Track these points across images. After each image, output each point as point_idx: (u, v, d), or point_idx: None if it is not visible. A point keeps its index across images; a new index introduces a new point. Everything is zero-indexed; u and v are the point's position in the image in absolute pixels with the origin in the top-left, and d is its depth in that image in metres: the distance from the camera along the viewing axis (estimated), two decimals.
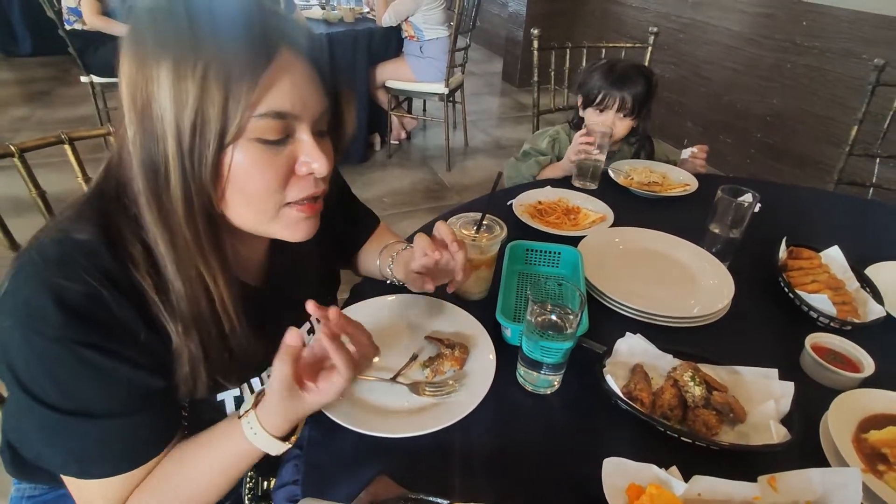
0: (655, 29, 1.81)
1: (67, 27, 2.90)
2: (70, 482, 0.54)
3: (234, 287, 0.56)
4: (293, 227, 0.58)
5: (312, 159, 0.54)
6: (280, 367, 0.50)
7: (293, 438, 0.56)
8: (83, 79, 2.87)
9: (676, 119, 3.62)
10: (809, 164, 2.79)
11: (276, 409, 0.53)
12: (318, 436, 0.63)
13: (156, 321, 0.52)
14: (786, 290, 0.88)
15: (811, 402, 0.67)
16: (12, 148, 0.83)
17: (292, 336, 0.51)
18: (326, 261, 0.80)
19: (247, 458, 0.56)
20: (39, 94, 4.02)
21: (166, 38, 0.47)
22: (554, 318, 0.69)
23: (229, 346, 0.57)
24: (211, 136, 0.48)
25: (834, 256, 0.96)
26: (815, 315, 0.83)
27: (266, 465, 0.65)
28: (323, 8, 3.23)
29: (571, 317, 0.68)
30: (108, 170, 0.54)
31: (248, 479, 0.69)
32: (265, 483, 0.70)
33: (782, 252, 0.95)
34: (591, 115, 1.43)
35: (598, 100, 1.38)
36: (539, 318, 0.68)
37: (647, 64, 1.76)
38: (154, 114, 0.47)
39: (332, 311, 0.54)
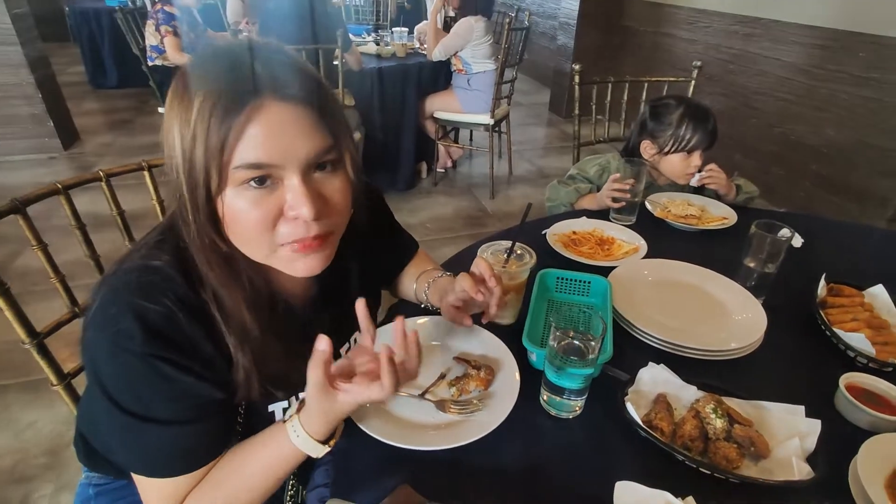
0: (699, 63, 1.82)
1: (150, 63, 3.22)
2: (139, 480, 0.61)
3: (262, 311, 0.61)
4: (290, 266, 0.59)
5: (299, 204, 0.54)
6: (313, 371, 0.55)
7: (332, 442, 0.61)
8: (161, 109, 3.17)
9: (725, 151, 3.54)
10: (869, 198, 2.65)
11: (315, 412, 0.58)
12: (348, 444, 0.68)
13: (219, 338, 0.59)
14: (822, 327, 0.86)
15: (845, 443, 0.66)
16: (101, 173, 0.95)
17: (322, 343, 0.55)
18: (369, 283, 0.84)
19: (290, 460, 0.61)
20: (122, 122, 4.43)
21: (177, 96, 0.53)
22: (576, 344, 0.71)
23: (267, 360, 0.63)
24: (199, 185, 0.52)
25: (878, 295, 0.93)
26: (852, 354, 0.81)
27: (306, 475, 0.71)
28: (377, 44, 3.41)
29: (593, 343, 0.70)
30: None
31: (289, 486, 0.74)
32: (304, 492, 0.75)
33: (821, 288, 0.93)
34: (675, 161, 1.40)
35: (691, 144, 1.36)
36: (561, 344, 0.71)
37: (690, 96, 1.77)
38: (173, 165, 0.53)
39: (413, 336, 0.59)
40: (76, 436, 0.81)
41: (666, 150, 1.40)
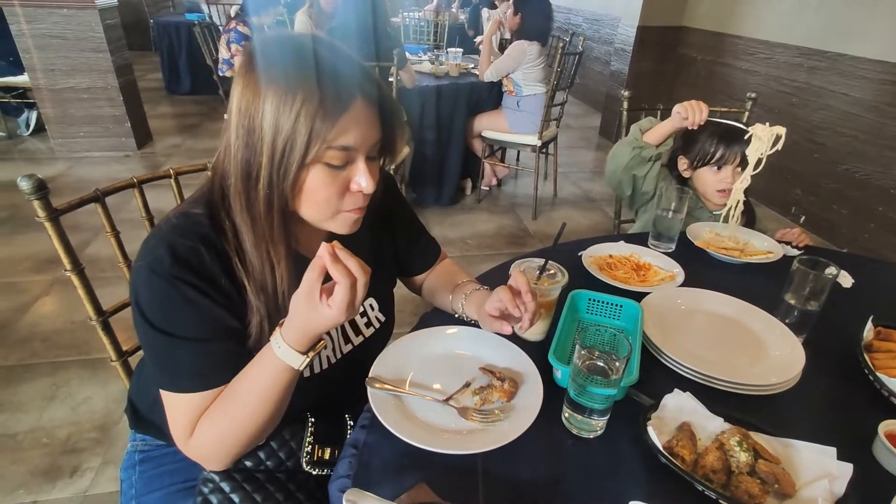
0: (754, 94, 1.78)
1: (220, 74, 3.44)
2: (165, 399, 0.69)
3: (293, 269, 0.70)
4: (343, 225, 0.73)
5: (363, 180, 0.69)
6: (309, 274, 0.61)
7: (311, 353, 0.66)
8: (227, 116, 3.37)
9: (784, 185, 3.41)
10: None
11: (296, 320, 0.64)
12: (373, 440, 0.71)
13: (234, 276, 0.69)
14: (865, 371, 0.83)
15: (879, 491, 0.64)
16: (171, 171, 1.05)
17: (322, 250, 0.61)
18: (381, 258, 0.93)
19: (277, 373, 0.66)
20: (190, 126, 4.75)
21: (273, 81, 0.62)
22: (600, 364, 0.72)
23: (280, 308, 0.70)
24: (295, 157, 0.63)
25: None
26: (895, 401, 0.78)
27: (323, 437, 0.79)
28: (432, 63, 3.52)
29: (618, 364, 0.70)
30: (216, 164, 0.72)
31: (306, 444, 0.79)
32: (320, 451, 0.80)
33: (868, 331, 0.90)
34: (706, 175, 1.42)
35: (716, 157, 1.38)
36: (586, 363, 0.72)
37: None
38: (255, 133, 0.63)
39: (329, 248, 0.63)
40: (128, 404, 0.90)
41: (695, 164, 1.42)
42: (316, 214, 0.71)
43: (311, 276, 0.62)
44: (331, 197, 0.69)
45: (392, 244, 0.97)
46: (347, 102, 0.64)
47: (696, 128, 1.28)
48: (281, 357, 0.65)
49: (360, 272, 0.62)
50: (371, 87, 0.68)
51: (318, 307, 0.62)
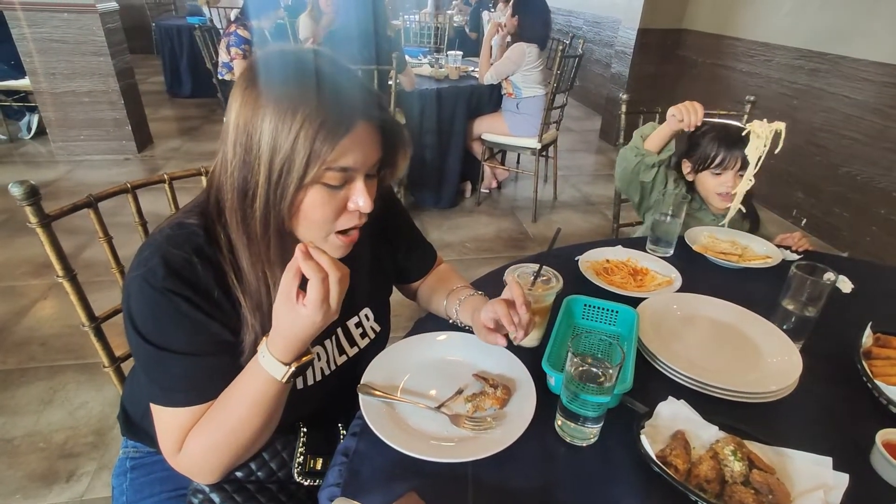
0: (753, 97, 1.78)
1: (220, 77, 3.45)
2: (155, 412, 0.68)
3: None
4: (333, 249, 0.71)
5: (361, 200, 0.68)
6: (285, 276, 0.61)
7: (294, 364, 0.65)
8: (226, 120, 3.37)
9: (785, 188, 3.40)
10: None
11: (278, 324, 0.63)
12: (363, 448, 0.70)
13: (228, 289, 0.67)
14: (864, 378, 0.82)
15: (875, 502, 0.63)
16: (165, 176, 1.04)
17: (297, 250, 0.60)
18: (378, 267, 0.92)
19: (263, 385, 0.65)
20: (190, 129, 4.76)
21: (273, 98, 0.61)
22: (593, 371, 0.71)
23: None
24: (293, 178, 0.62)
25: None
26: (894, 410, 0.77)
27: (315, 447, 0.78)
28: (431, 66, 3.52)
29: (611, 371, 0.70)
30: (212, 177, 0.70)
31: (298, 454, 0.78)
32: (312, 461, 0.79)
33: (866, 337, 0.89)
34: (707, 179, 1.42)
35: (717, 162, 1.38)
36: (579, 371, 0.71)
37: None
38: (253, 151, 0.62)
39: (303, 247, 0.62)
40: (120, 410, 0.90)
41: (697, 168, 1.44)
42: (311, 234, 0.70)
43: (286, 278, 0.61)
44: (327, 216, 0.67)
45: (390, 253, 0.96)
46: (350, 124, 0.63)
47: (691, 129, 1.28)
48: (265, 367, 0.64)
49: (333, 268, 0.61)
50: (374, 108, 0.67)
51: (295, 308, 0.61)
